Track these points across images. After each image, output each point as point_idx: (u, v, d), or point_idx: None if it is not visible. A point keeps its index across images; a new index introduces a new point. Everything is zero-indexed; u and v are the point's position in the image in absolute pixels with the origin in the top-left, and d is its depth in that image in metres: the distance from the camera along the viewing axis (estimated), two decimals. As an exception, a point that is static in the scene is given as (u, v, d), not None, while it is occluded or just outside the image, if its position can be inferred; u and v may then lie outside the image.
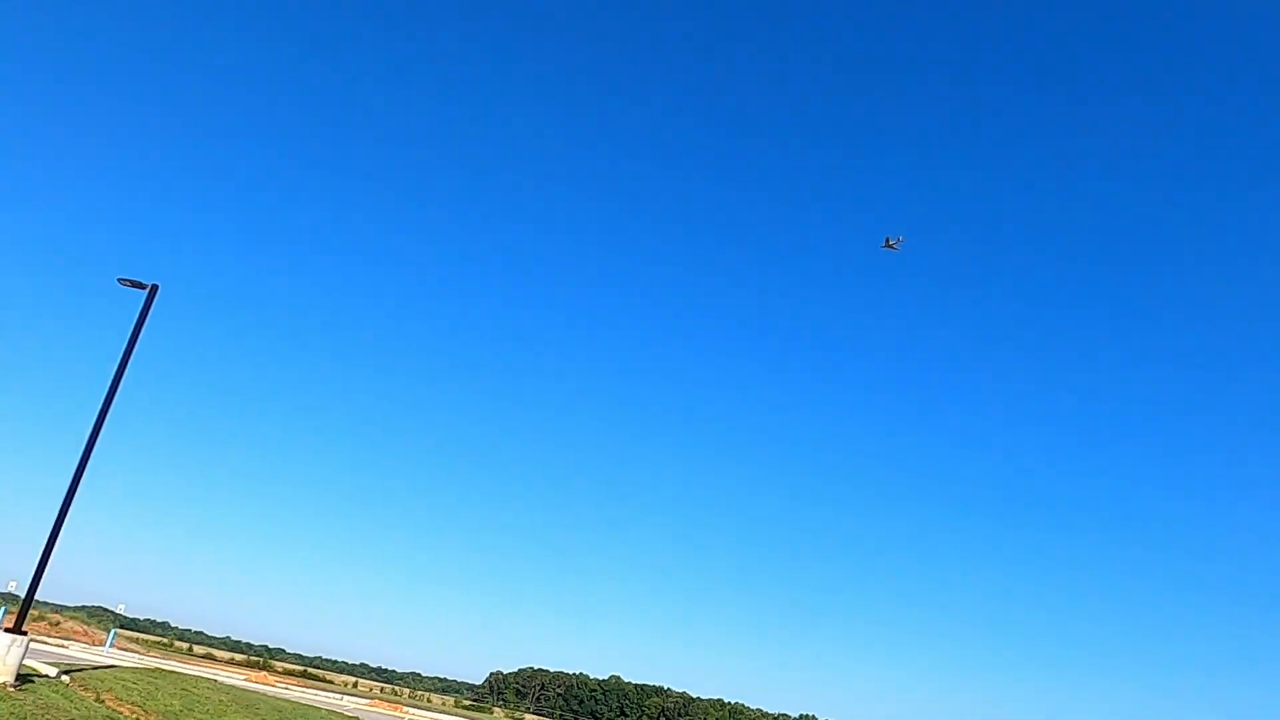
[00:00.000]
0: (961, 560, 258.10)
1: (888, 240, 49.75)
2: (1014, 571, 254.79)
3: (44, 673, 21.97)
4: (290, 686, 63.52)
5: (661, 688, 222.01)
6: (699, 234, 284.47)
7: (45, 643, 40.81)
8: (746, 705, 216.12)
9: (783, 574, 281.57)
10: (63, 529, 21.63)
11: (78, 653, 40.39)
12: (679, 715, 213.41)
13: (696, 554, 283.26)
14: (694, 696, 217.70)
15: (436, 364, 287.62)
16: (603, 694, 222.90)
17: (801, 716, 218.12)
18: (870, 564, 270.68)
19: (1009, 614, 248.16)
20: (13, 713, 16.17)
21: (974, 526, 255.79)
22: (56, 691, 19.95)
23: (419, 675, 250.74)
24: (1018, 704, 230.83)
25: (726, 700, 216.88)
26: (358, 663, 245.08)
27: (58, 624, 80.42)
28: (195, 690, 28.18)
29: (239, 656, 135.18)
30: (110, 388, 22.95)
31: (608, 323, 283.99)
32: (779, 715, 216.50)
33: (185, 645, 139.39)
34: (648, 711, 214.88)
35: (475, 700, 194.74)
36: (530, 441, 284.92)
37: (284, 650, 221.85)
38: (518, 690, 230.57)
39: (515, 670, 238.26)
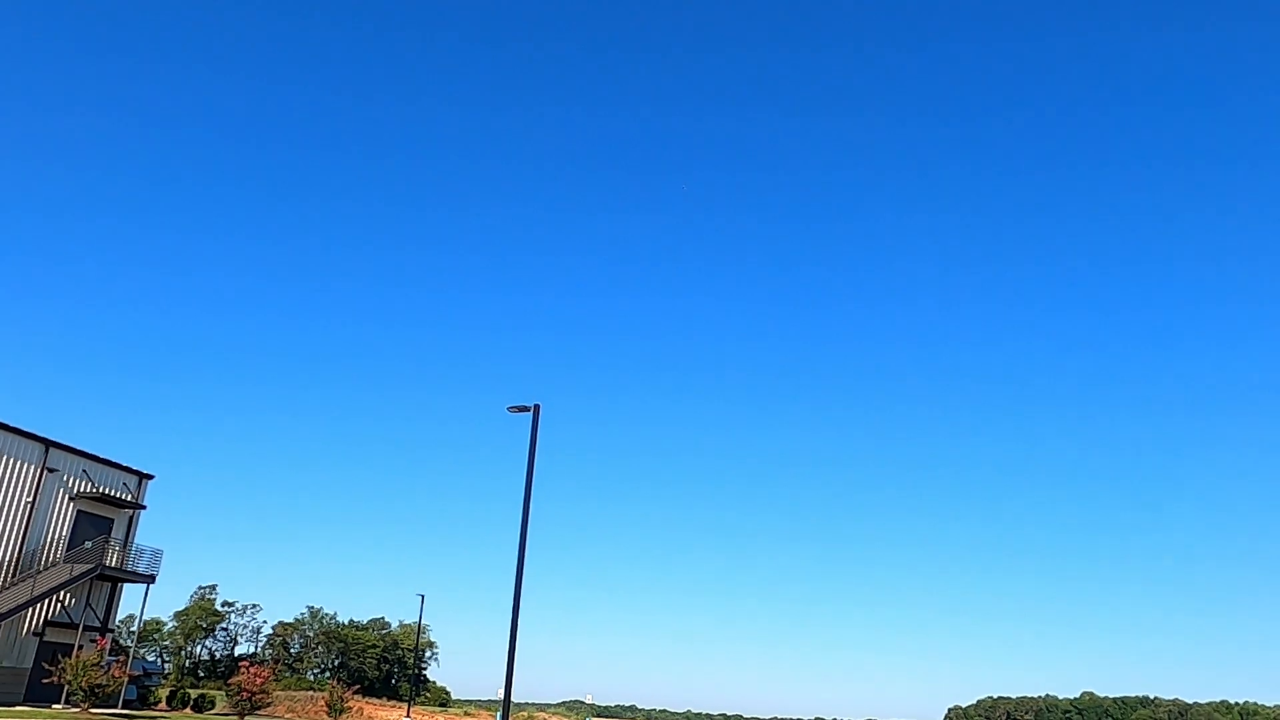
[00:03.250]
0: None
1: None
2: None
3: (536, 766, 24.57)
4: (752, 750, 65.34)
5: (1148, 698, 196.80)
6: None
7: (536, 739, 45.84)
8: (1261, 704, 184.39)
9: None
10: (518, 641, 24.33)
11: (563, 744, 44.86)
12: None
13: (1172, 545, 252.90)
14: (1189, 703, 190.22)
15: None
16: (1078, 713, 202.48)
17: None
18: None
19: None
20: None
21: None
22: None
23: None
24: None
25: (1233, 701, 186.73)
26: (812, 716, 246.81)
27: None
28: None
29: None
30: (524, 506, 25.80)
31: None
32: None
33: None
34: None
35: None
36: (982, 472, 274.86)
37: (741, 715, 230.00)
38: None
39: (975, 701, 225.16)
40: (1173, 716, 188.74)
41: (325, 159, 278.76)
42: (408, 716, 57.18)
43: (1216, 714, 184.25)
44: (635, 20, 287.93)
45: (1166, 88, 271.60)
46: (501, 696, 65.45)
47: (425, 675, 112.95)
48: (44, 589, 38.04)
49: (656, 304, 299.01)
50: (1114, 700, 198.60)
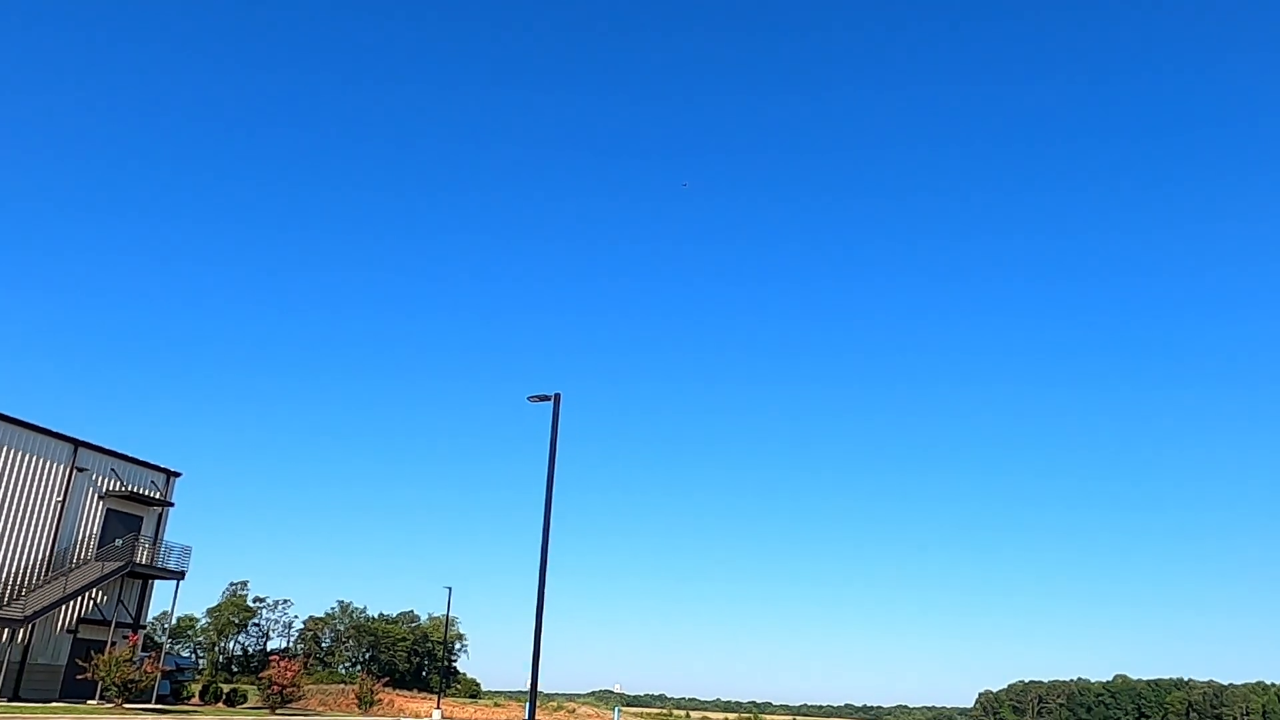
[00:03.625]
0: None
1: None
2: None
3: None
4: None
5: (1182, 679, 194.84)
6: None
7: (565, 729, 45.90)
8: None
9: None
10: (545, 633, 24.27)
11: (592, 733, 44.92)
12: (1212, 708, 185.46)
13: (1206, 524, 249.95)
14: (1224, 684, 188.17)
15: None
16: (1111, 697, 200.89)
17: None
18: None
19: None
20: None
21: None
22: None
23: (906, 707, 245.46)
24: None
25: (1269, 683, 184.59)
26: (842, 704, 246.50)
27: (574, 711, 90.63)
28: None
29: (731, 715, 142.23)
30: (546, 496, 25.68)
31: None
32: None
33: (682, 713, 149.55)
34: (1172, 709, 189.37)
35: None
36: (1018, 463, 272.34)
37: (771, 704, 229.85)
38: (1014, 707, 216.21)
39: (1005, 686, 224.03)
40: (1207, 698, 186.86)
41: (333, 151, 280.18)
42: (438, 708, 57.48)
43: (1253, 695, 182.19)
44: (641, 14, 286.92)
45: (1161, 75, 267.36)
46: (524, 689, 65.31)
47: (455, 667, 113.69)
48: (76, 587, 38.48)
49: (674, 292, 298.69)
50: (1147, 683, 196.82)
